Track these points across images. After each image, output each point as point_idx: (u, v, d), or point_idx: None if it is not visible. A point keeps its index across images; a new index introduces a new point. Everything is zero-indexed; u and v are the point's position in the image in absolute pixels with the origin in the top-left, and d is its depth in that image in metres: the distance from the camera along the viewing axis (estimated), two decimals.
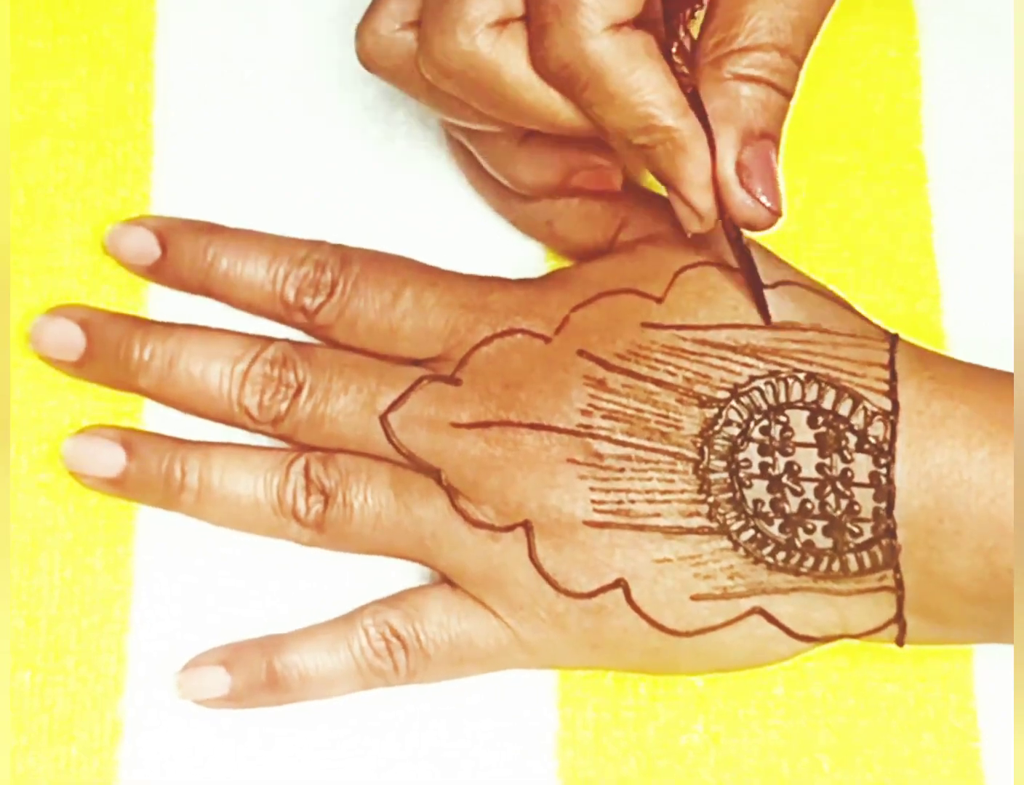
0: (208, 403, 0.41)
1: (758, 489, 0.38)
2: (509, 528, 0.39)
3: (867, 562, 0.38)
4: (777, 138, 0.37)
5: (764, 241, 0.40)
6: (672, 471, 0.38)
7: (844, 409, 0.38)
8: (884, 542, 0.38)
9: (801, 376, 0.38)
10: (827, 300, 0.40)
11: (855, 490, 0.38)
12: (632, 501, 0.38)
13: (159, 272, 0.42)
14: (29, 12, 0.45)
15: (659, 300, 0.40)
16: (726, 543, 0.38)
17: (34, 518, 0.41)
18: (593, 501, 0.38)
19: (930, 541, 0.37)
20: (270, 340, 0.41)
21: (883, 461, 0.37)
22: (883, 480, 0.37)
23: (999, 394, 0.38)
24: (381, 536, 0.40)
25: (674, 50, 0.36)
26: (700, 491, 0.38)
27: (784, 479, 0.38)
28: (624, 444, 0.38)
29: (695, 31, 0.38)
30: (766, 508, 0.38)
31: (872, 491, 0.37)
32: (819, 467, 0.38)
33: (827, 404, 0.38)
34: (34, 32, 0.44)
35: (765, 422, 0.38)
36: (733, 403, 0.38)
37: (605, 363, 0.39)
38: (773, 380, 0.38)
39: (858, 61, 0.46)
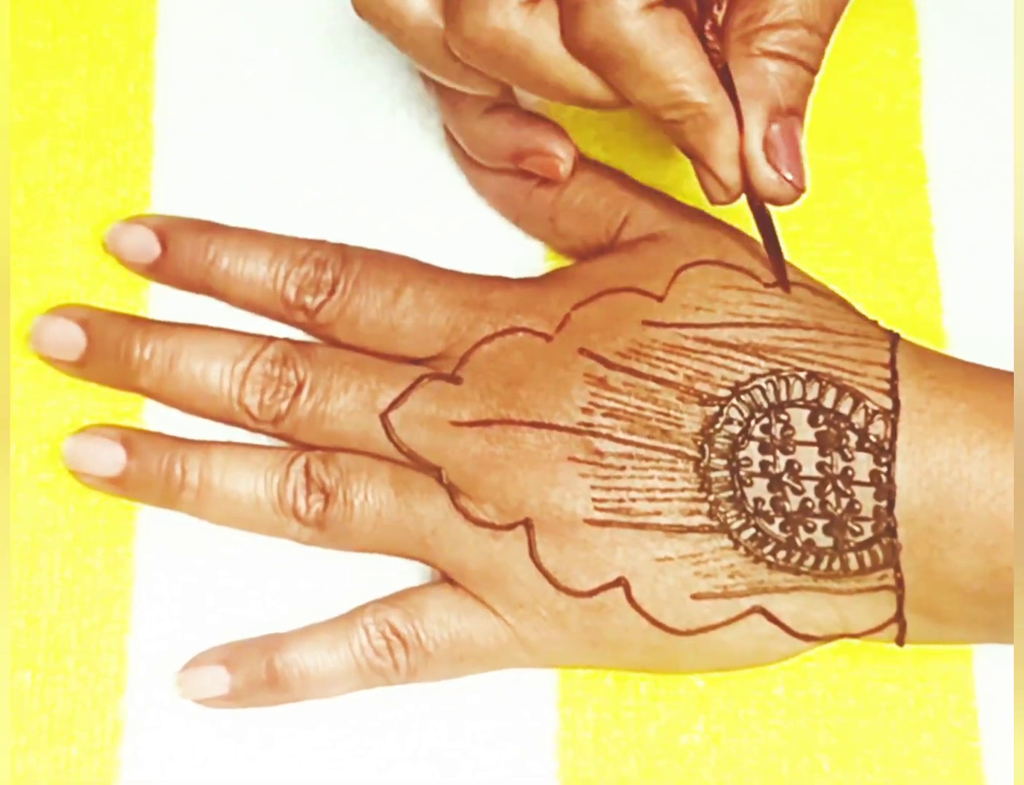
0: (208, 402, 0.41)
1: (759, 487, 0.38)
2: (510, 526, 0.39)
3: (868, 561, 0.38)
4: (803, 114, 0.38)
5: None
6: (673, 469, 0.38)
7: (845, 408, 0.38)
8: (885, 540, 0.38)
9: (802, 375, 0.38)
10: (829, 300, 0.40)
11: (856, 488, 0.38)
12: (633, 499, 0.38)
13: (159, 270, 0.42)
14: (29, 12, 0.45)
15: (660, 298, 0.40)
16: (727, 541, 0.38)
17: (34, 518, 0.41)
18: (594, 499, 0.38)
19: (930, 539, 0.37)
20: (271, 339, 0.41)
21: (884, 459, 0.37)
22: (884, 478, 0.37)
23: (999, 392, 0.38)
24: (381, 534, 0.40)
25: (707, 27, 0.36)
26: (701, 489, 0.38)
27: (785, 477, 0.38)
28: (625, 442, 0.38)
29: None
30: (767, 506, 0.38)
31: (873, 489, 0.37)
32: (820, 466, 0.38)
33: (828, 403, 0.38)
34: (34, 32, 0.44)
35: (766, 420, 0.38)
36: (734, 401, 0.38)
37: (606, 361, 0.39)
38: (774, 378, 0.38)
39: (858, 61, 0.46)
